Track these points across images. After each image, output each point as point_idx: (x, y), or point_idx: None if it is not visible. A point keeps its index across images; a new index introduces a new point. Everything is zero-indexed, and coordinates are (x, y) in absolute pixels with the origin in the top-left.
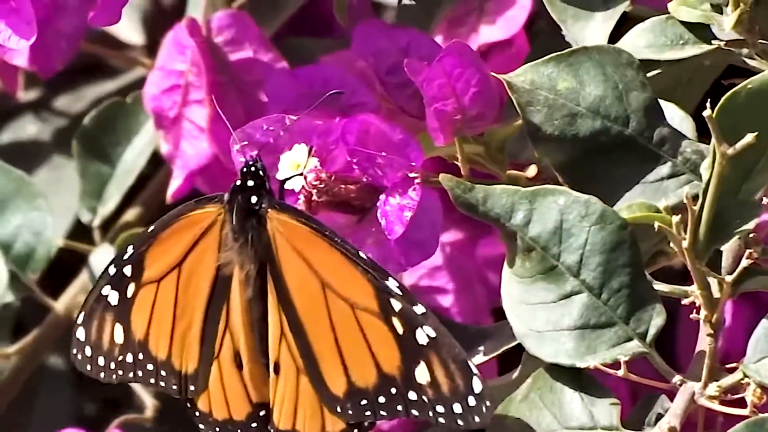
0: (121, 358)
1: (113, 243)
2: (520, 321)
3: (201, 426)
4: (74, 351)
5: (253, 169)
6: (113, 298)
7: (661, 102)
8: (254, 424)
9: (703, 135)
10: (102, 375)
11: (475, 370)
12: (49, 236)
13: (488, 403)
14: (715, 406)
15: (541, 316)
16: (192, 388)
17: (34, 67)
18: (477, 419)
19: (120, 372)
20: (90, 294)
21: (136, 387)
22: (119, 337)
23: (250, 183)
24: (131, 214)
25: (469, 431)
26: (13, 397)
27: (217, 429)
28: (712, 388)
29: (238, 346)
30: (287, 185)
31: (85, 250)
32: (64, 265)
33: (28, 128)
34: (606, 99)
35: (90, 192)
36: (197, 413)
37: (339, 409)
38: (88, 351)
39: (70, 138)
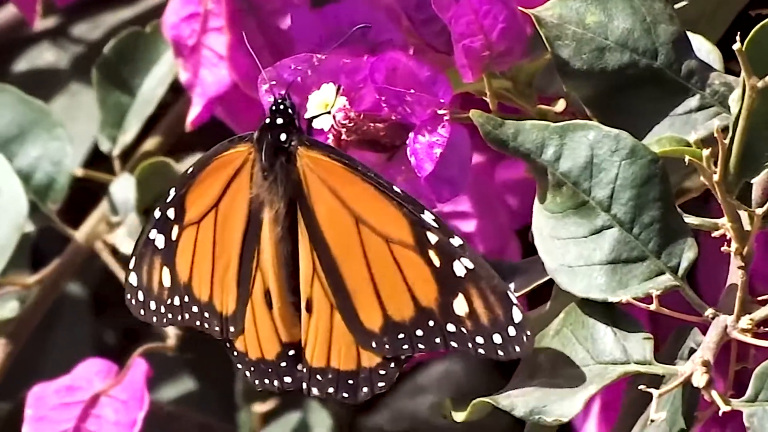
0: (169, 301)
1: (133, 172)
2: (552, 256)
3: (239, 366)
4: (128, 296)
5: (282, 107)
6: (160, 241)
7: (688, 34)
8: (283, 363)
9: (730, 66)
10: (155, 319)
11: (514, 300)
12: (68, 166)
13: (528, 333)
14: (748, 339)
15: (572, 251)
16: (232, 329)
17: None
18: (518, 349)
19: (170, 315)
20: (139, 238)
21: None
22: (167, 281)
23: (279, 121)
24: (151, 143)
25: (504, 362)
26: (34, 326)
27: (252, 368)
28: (745, 321)
29: (268, 285)
30: (316, 124)
31: (105, 180)
32: (84, 195)
33: (45, 56)
34: (634, 32)
35: (110, 121)
36: (235, 353)
37: (374, 344)
38: (140, 296)
39: (87, 65)
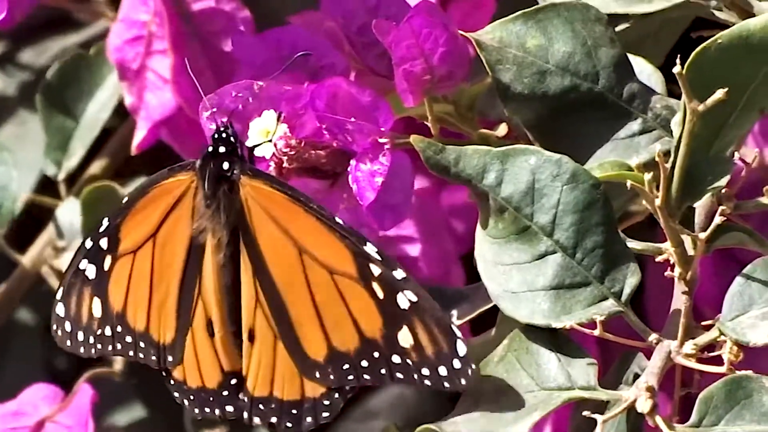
0: (100, 332)
1: (79, 196)
2: (495, 282)
3: (176, 394)
4: (54, 327)
5: (224, 135)
6: (91, 271)
7: (630, 57)
8: (225, 392)
9: (673, 88)
10: (82, 350)
11: (458, 333)
12: (14, 190)
13: (473, 366)
14: (692, 364)
15: (515, 276)
16: (170, 358)
17: None
18: (463, 381)
19: (99, 346)
20: (68, 269)
21: None
22: (97, 311)
23: (222, 149)
24: (96, 166)
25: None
26: None
27: (191, 397)
28: (689, 346)
29: (210, 314)
30: (257, 152)
31: (52, 204)
32: (31, 220)
33: None
34: (575, 56)
35: (54, 145)
36: (172, 381)
37: (318, 375)
38: (68, 326)
39: (35, 92)
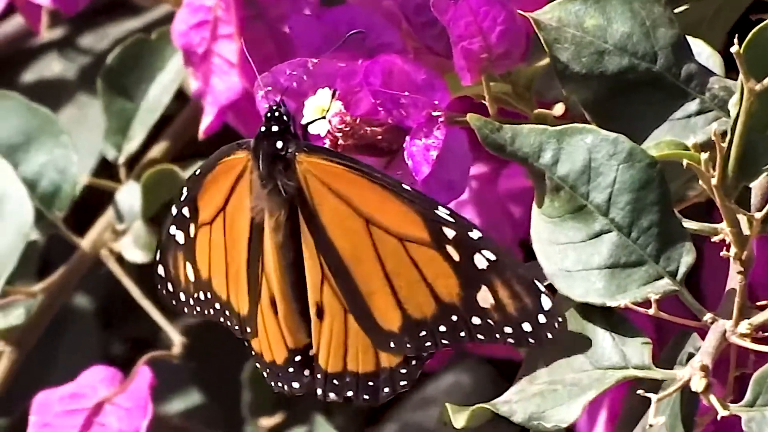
0: (196, 295)
1: (138, 180)
2: (550, 261)
3: (257, 365)
4: (159, 286)
5: (276, 114)
6: (180, 237)
7: (689, 38)
8: (291, 369)
9: (731, 71)
10: (185, 310)
11: (542, 288)
12: (74, 174)
13: (560, 319)
14: (747, 343)
15: (570, 255)
16: (248, 330)
17: (56, 5)
18: (549, 335)
19: (198, 308)
20: (161, 233)
21: (164, 325)
22: (191, 275)
23: (275, 128)
24: (156, 150)
25: (513, 373)
26: (39, 335)
27: (268, 370)
28: (744, 326)
29: (273, 292)
30: (312, 130)
31: (111, 188)
32: (90, 204)
33: (52, 67)
34: (633, 36)
35: (115, 129)
36: (254, 353)
37: (393, 345)
38: (170, 287)
39: (94, 76)
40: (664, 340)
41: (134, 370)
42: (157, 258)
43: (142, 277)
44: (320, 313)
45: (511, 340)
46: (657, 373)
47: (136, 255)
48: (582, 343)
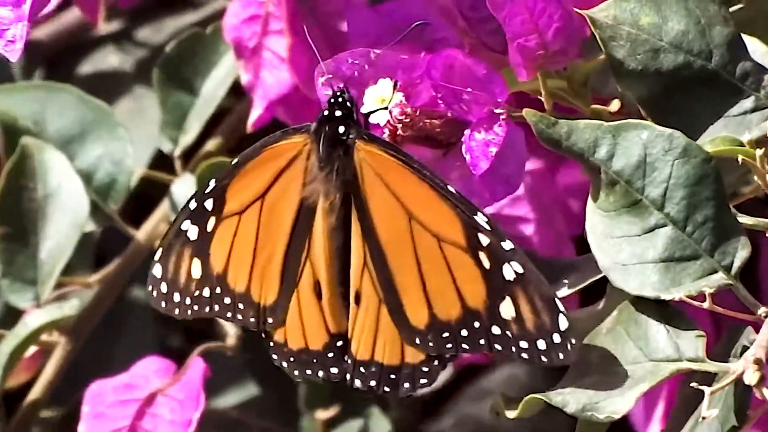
0: (197, 293)
1: (194, 173)
2: (605, 254)
3: (274, 356)
4: (150, 288)
5: (340, 99)
6: (193, 233)
7: (743, 36)
8: (330, 354)
9: None
10: (177, 311)
11: (561, 308)
12: (130, 166)
13: (573, 341)
14: None
15: (626, 249)
16: (270, 320)
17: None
18: (561, 356)
19: (195, 307)
20: (168, 230)
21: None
22: (197, 272)
23: (338, 113)
24: (212, 143)
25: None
26: (96, 326)
27: (292, 359)
28: None
29: (319, 276)
30: (372, 119)
31: (167, 180)
32: (146, 196)
33: (109, 59)
34: (689, 34)
35: (171, 122)
36: (272, 343)
37: (419, 341)
38: (164, 287)
39: (151, 69)
40: (718, 334)
41: (187, 362)
42: (156, 258)
43: None
44: (358, 300)
45: (524, 356)
46: (711, 366)
47: None
48: (636, 336)
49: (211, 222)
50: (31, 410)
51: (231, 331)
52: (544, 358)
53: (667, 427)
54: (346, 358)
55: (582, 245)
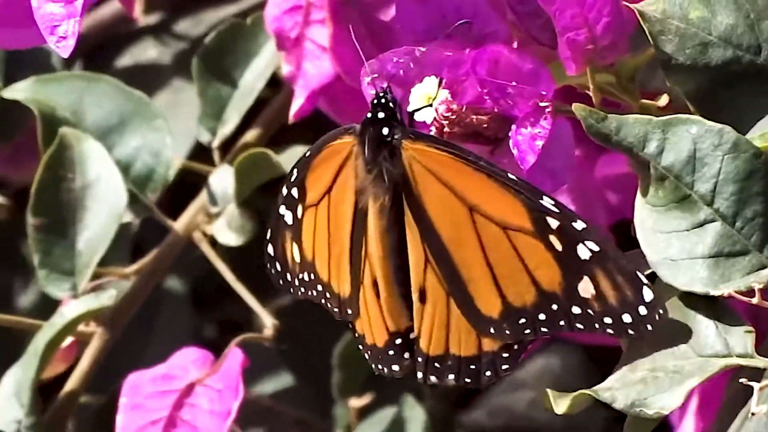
0: (301, 276)
1: (232, 164)
2: (654, 250)
3: (359, 347)
4: (267, 265)
5: (383, 100)
6: (288, 217)
7: None
8: (391, 352)
9: None
10: (291, 290)
11: (644, 280)
12: (168, 156)
13: (661, 311)
14: None
15: (675, 244)
16: (349, 312)
17: None
18: (649, 327)
19: (302, 289)
20: (273, 212)
21: (256, 307)
22: (297, 256)
23: (381, 115)
24: (251, 135)
25: (602, 357)
26: (132, 316)
27: (369, 351)
28: None
29: (376, 275)
30: (418, 117)
31: (205, 171)
32: (184, 187)
33: (148, 52)
34: (738, 28)
35: (209, 113)
36: (356, 335)
37: (493, 330)
38: (278, 266)
39: (189, 62)
40: (764, 330)
41: (225, 352)
42: (268, 237)
43: (234, 260)
44: (423, 297)
45: (610, 331)
46: (760, 362)
47: (230, 238)
48: (685, 331)
49: (299, 209)
50: (68, 401)
51: (268, 322)
52: (631, 331)
53: (715, 422)
54: (406, 355)
55: (630, 241)
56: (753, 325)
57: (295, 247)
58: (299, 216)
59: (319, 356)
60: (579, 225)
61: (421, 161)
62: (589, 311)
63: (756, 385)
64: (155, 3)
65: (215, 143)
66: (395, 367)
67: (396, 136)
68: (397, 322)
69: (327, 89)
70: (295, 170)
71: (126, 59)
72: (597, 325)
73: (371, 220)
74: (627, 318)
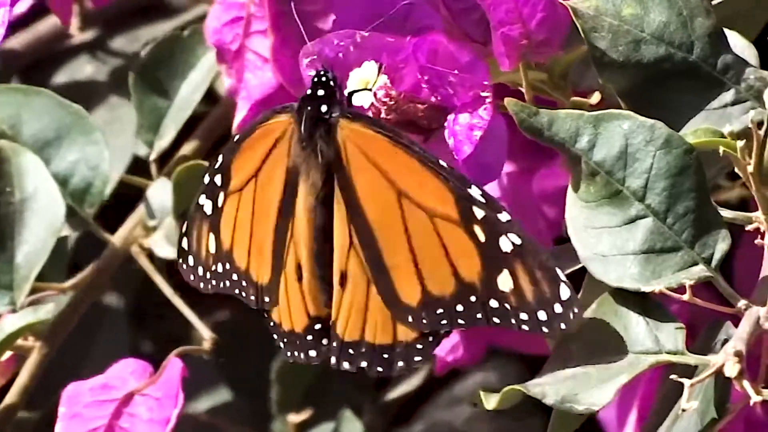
0: (214, 267)
1: (170, 177)
2: (585, 245)
3: (274, 336)
4: (180, 261)
5: (324, 78)
6: (208, 207)
7: (725, 30)
8: (309, 337)
9: (765, 64)
10: (201, 285)
11: (562, 277)
12: (106, 170)
13: (576, 310)
14: None
15: (606, 240)
16: (267, 299)
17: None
18: (563, 326)
19: (213, 282)
20: (192, 204)
21: (195, 321)
22: (212, 247)
23: (320, 92)
24: (188, 148)
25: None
26: (70, 332)
27: (285, 340)
28: None
29: (300, 258)
30: (356, 101)
31: (143, 184)
32: (122, 200)
33: (84, 68)
34: (670, 25)
35: (146, 126)
36: (271, 323)
37: (411, 319)
38: (191, 260)
39: (126, 79)
40: (694, 327)
41: (165, 363)
42: (183, 230)
43: (173, 274)
44: (343, 281)
45: (525, 327)
46: (690, 359)
47: (167, 251)
48: (616, 328)
49: (221, 197)
50: (6, 415)
51: (207, 335)
52: (545, 329)
53: (648, 419)
54: (324, 341)
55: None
56: (684, 322)
57: (212, 237)
58: (220, 204)
59: (258, 371)
60: (503, 216)
61: (356, 141)
62: (507, 305)
63: (687, 382)
64: (91, 20)
65: (152, 156)
66: (312, 353)
67: (334, 114)
68: (318, 306)
69: (270, 99)
70: (221, 156)
71: (62, 76)
72: (513, 321)
73: (301, 199)
74: (542, 315)
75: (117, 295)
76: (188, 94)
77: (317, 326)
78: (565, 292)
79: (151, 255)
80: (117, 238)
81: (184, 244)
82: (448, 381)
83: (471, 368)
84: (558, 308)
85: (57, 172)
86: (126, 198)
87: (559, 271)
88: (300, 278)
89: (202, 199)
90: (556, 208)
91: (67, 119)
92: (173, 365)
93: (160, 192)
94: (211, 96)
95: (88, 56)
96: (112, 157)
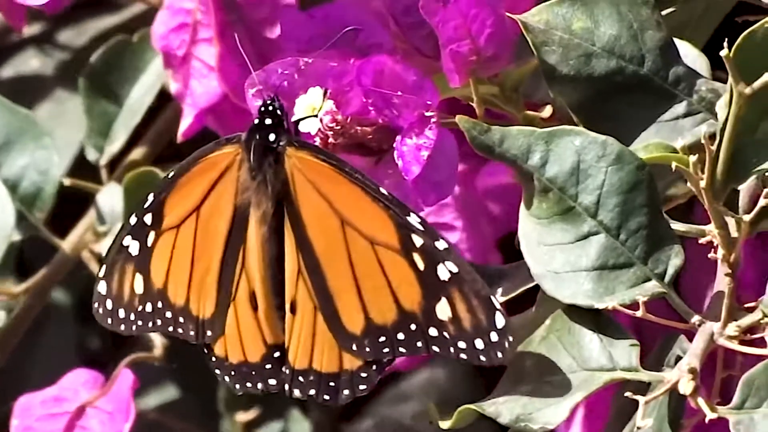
0: (140, 308)
1: (120, 182)
2: (538, 262)
3: (217, 371)
4: (95, 305)
5: (270, 108)
6: (134, 248)
7: (675, 40)
8: (268, 366)
9: (716, 71)
10: (122, 327)
11: (497, 305)
12: (55, 175)
13: (510, 339)
14: (735, 346)
15: (558, 257)
16: (209, 333)
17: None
18: (499, 355)
19: (140, 323)
20: (112, 246)
21: None
22: (139, 288)
23: (268, 121)
24: (138, 152)
25: (488, 369)
26: (20, 335)
27: (232, 372)
28: (732, 328)
29: (254, 287)
30: (303, 128)
31: (92, 189)
32: (71, 205)
33: (30, 62)
34: (621, 38)
35: (97, 130)
36: (213, 358)
37: (355, 347)
38: (109, 304)
39: (72, 72)
40: (648, 343)
41: (115, 373)
42: (101, 275)
43: None
44: (293, 309)
45: (463, 356)
46: (644, 375)
47: None
48: (569, 345)
49: (151, 236)
50: None
51: (157, 341)
52: (482, 358)
53: None
54: (284, 368)
55: (514, 253)
56: (638, 338)
57: (139, 278)
58: (149, 243)
59: (206, 370)
60: (441, 244)
61: (303, 170)
62: (445, 334)
63: (642, 399)
64: (36, 13)
65: (103, 161)
66: (272, 381)
67: (281, 143)
68: (276, 334)
69: (215, 108)
70: (152, 195)
71: (8, 70)
72: (452, 349)
73: (252, 229)
74: (479, 344)
75: (65, 293)
76: (139, 99)
77: (276, 354)
78: (500, 320)
79: (101, 259)
80: (67, 244)
81: (102, 288)
82: (395, 378)
83: (417, 365)
84: (494, 336)
85: (6, 177)
86: (74, 200)
87: (494, 299)
88: (255, 307)
89: (127, 240)
90: (500, 205)
91: (16, 124)
92: (124, 377)
93: (110, 197)
94: (162, 98)
95: (34, 50)
96: (59, 151)
